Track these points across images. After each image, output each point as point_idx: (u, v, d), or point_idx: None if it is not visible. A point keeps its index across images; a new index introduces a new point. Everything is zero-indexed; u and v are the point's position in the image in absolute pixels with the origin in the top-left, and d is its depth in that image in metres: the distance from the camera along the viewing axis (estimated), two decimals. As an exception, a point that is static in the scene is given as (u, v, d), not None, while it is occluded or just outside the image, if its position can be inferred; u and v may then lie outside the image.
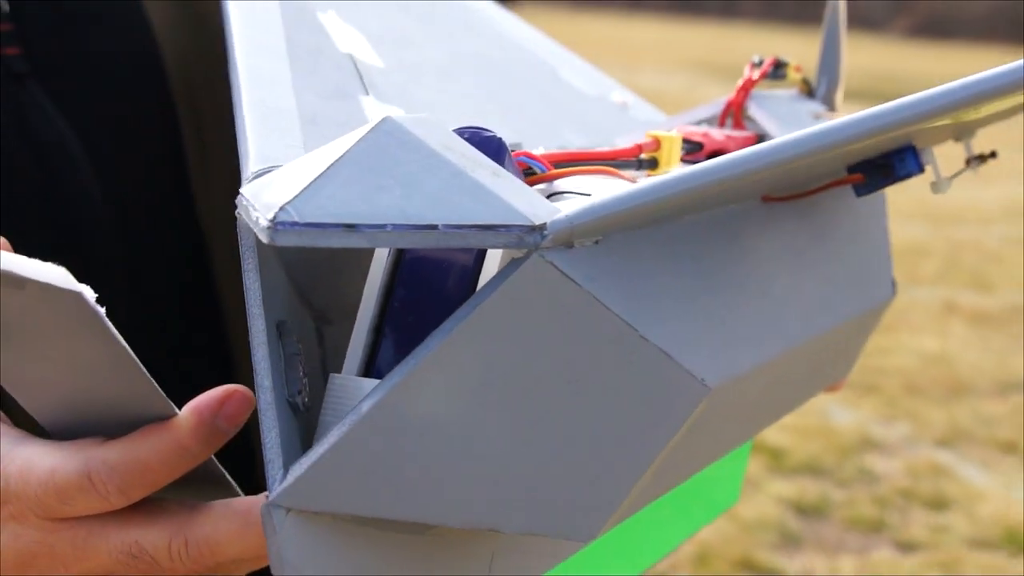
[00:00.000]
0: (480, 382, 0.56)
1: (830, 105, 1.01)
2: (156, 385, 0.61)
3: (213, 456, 0.63)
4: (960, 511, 4.57)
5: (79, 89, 0.92)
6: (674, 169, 0.74)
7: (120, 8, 0.96)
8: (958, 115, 0.63)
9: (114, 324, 0.61)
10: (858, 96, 0.95)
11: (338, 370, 0.63)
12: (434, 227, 0.53)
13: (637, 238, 0.59)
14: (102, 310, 0.57)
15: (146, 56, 0.96)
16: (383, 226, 0.53)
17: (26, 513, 0.61)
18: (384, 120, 0.57)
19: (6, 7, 0.88)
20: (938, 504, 4.62)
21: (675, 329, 0.57)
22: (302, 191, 0.54)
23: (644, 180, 0.57)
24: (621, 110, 1.01)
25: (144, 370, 0.60)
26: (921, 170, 0.66)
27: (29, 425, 0.64)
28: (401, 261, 0.64)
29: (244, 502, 0.61)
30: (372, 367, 0.63)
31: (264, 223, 0.54)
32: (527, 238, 0.53)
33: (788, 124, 0.89)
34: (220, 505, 0.61)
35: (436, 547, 0.63)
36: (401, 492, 0.57)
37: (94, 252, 0.89)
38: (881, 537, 4.34)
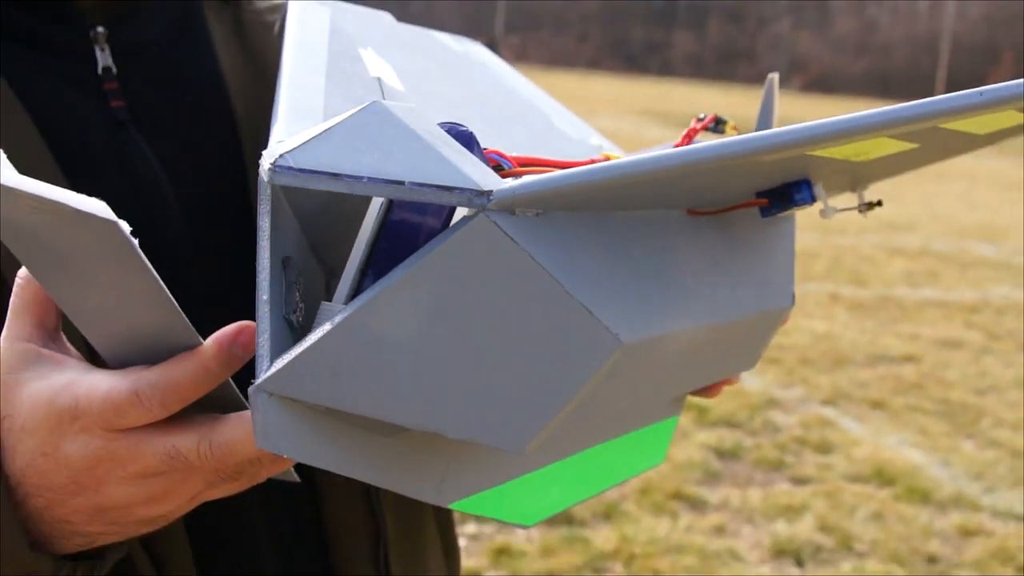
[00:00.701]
0: (430, 311, 0.55)
1: None
2: (185, 318, 0.62)
3: (231, 380, 0.65)
4: (841, 453, 4.62)
5: (167, 133, 0.91)
6: None
7: (201, 70, 0.96)
8: (847, 156, 0.61)
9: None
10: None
11: None
12: (401, 183, 0.53)
13: (576, 219, 0.58)
14: (135, 241, 0.58)
15: (220, 108, 0.95)
16: (360, 178, 0.54)
17: (92, 426, 0.62)
18: (374, 102, 0.57)
19: (115, 69, 0.88)
20: (824, 448, 4.67)
21: (598, 293, 0.56)
22: (300, 145, 0.56)
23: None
24: (597, 151, 0.97)
25: (175, 303, 0.61)
26: (813, 200, 0.65)
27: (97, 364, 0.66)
28: (386, 221, 0.63)
29: None
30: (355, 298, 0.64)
31: (267, 166, 0.56)
32: (476, 200, 0.53)
33: None
34: (236, 416, 0.63)
35: (396, 451, 0.63)
36: (361, 390, 0.57)
37: (177, 265, 0.86)
38: (781, 474, 4.39)
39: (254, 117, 0.94)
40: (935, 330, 6.78)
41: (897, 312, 7.19)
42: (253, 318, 0.88)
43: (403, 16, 1.07)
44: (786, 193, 0.65)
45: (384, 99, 0.77)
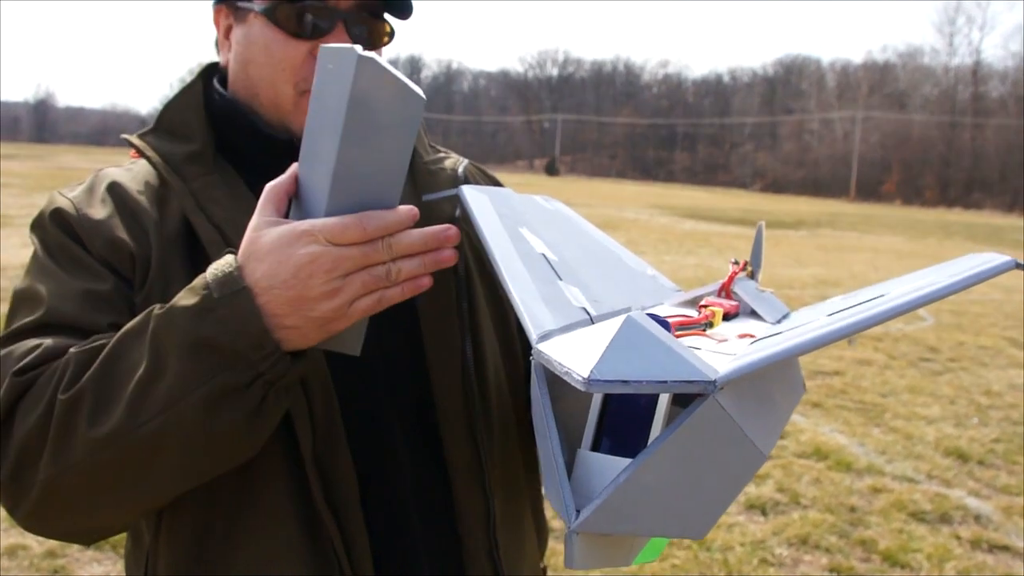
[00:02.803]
0: (672, 461, 0.56)
1: (758, 282, 1.00)
2: (401, 183, 0.66)
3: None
4: (791, 438, 4.55)
5: None
6: (733, 341, 0.75)
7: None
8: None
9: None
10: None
11: (571, 446, 0.65)
12: (665, 382, 0.54)
13: (740, 383, 0.59)
14: (422, 114, 0.61)
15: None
16: (640, 381, 0.54)
17: (320, 238, 0.69)
18: (628, 318, 0.57)
19: None
20: (781, 435, 4.51)
21: (755, 428, 0.58)
22: (598, 361, 0.55)
23: (748, 354, 0.60)
24: (654, 279, 0.97)
25: (404, 174, 0.66)
26: None
27: None
28: None
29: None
30: (597, 447, 0.65)
31: (580, 378, 0.55)
32: (708, 387, 0.54)
33: (751, 297, 0.90)
34: (410, 230, 0.72)
35: (615, 542, 0.63)
36: (627, 519, 0.57)
37: (374, 335, 0.83)
38: (749, 451, 4.27)
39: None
40: (854, 353, 6.64)
41: (826, 340, 7.03)
42: (414, 362, 0.92)
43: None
44: None
45: (556, 272, 0.82)
